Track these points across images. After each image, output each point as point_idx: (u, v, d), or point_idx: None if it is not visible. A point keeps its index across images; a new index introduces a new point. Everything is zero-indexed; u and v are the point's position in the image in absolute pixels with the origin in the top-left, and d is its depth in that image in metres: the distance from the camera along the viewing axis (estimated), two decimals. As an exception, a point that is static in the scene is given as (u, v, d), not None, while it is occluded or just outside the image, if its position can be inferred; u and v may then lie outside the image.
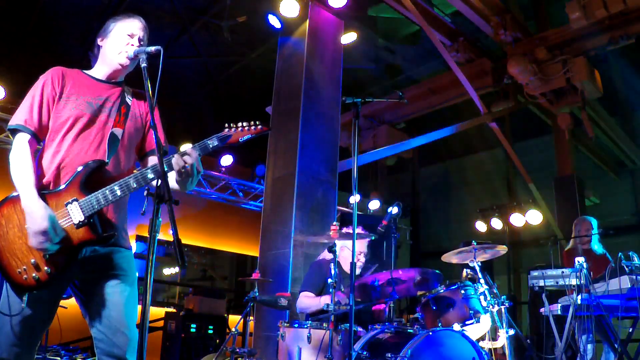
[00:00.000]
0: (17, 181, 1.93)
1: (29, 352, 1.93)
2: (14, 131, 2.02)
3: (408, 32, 8.69)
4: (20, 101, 2.11)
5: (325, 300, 3.64)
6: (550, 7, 8.19)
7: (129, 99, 2.21)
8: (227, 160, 8.36)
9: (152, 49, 2.02)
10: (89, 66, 2.30)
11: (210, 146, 2.06)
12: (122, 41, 2.18)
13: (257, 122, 2.08)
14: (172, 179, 2.04)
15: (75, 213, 1.96)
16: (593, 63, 7.11)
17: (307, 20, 5.91)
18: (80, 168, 2.01)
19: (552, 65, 7.08)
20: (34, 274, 1.88)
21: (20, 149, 1.98)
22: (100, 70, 2.22)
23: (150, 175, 1.99)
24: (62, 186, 2.00)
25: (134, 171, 2.09)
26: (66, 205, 1.97)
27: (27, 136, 2.01)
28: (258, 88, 8.42)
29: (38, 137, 2.04)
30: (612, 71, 8.91)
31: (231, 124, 2.07)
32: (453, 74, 7.20)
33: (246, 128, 2.07)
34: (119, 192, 1.97)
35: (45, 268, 1.89)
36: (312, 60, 5.82)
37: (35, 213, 1.87)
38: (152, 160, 2.22)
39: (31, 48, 7.91)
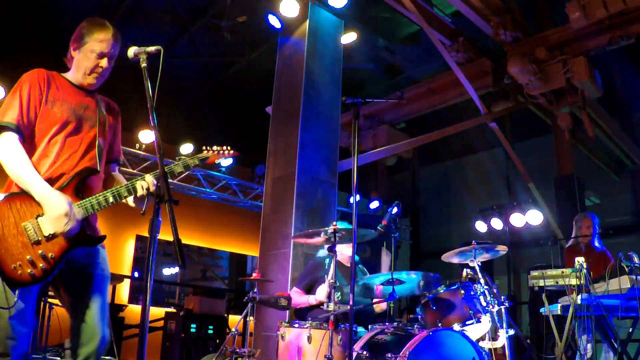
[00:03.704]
0: (23, 177, 2.02)
1: (23, 345, 2.01)
2: (1, 129, 2.07)
3: (408, 32, 8.68)
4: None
5: (312, 299, 3.73)
6: (550, 7, 8.19)
7: (103, 110, 2.35)
8: (227, 160, 8.35)
9: (152, 49, 2.04)
10: None
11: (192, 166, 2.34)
12: (91, 62, 2.25)
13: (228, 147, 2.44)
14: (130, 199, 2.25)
15: None
16: (593, 63, 7.10)
17: (307, 20, 5.91)
18: (74, 174, 2.14)
19: (552, 65, 7.07)
20: (29, 270, 1.97)
21: (12, 147, 2.05)
22: (75, 78, 2.30)
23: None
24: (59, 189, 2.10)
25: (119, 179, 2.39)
26: None
27: (15, 135, 2.07)
28: (258, 88, 8.41)
29: (24, 136, 2.10)
30: (612, 71, 8.90)
31: (207, 147, 2.42)
32: (453, 74, 7.19)
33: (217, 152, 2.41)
34: (111, 199, 2.14)
35: (41, 265, 1.99)
36: (312, 60, 5.82)
37: (54, 200, 2.01)
38: (111, 168, 2.43)
39: (31, 48, 7.90)
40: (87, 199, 2.11)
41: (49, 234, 2.01)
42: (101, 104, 2.35)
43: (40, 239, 2.00)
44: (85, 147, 2.21)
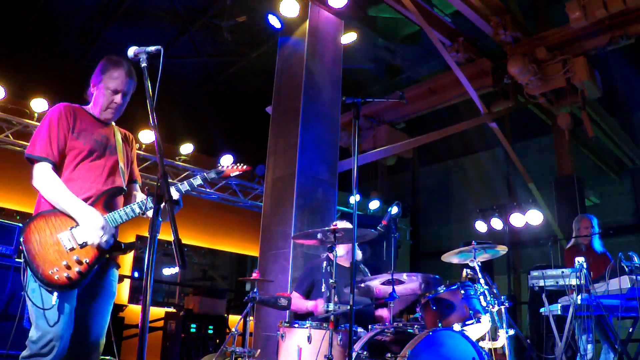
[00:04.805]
0: (62, 200, 2.28)
1: (64, 346, 2.16)
2: (34, 161, 2.33)
3: (408, 32, 8.67)
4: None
5: (311, 305, 3.73)
6: (550, 7, 8.18)
7: (120, 139, 2.62)
8: (227, 160, 8.35)
9: (152, 48, 2.07)
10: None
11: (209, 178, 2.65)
12: (107, 99, 2.49)
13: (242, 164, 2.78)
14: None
15: None
16: (593, 63, 7.10)
17: (307, 20, 5.91)
18: (103, 191, 2.41)
19: (552, 65, 7.07)
20: (65, 274, 2.19)
21: (48, 176, 2.31)
22: (94, 112, 2.56)
23: None
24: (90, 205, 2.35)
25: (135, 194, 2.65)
26: None
27: (49, 165, 2.33)
28: (258, 88, 8.41)
29: (55, 164, 2.36)
30: (612, 71, 8.90)
31: (223, 164, 2.74)
32: (453, 74, 7.19)
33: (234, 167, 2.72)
34: (137, 210, 2.41)
35: (77, 268, 2.23)
36: (312, 60, 5.82)
37: (91, 216, 2.28)
38: (134, 188, 2.70)
39: (31, 48, 7.90)
40: (115, 211, 2.38)
41: (83, 242, 2.26)
42: (118, 134, 2.63)
43: (74, 246, 2.25)
44: (109, 171, 2.48)
